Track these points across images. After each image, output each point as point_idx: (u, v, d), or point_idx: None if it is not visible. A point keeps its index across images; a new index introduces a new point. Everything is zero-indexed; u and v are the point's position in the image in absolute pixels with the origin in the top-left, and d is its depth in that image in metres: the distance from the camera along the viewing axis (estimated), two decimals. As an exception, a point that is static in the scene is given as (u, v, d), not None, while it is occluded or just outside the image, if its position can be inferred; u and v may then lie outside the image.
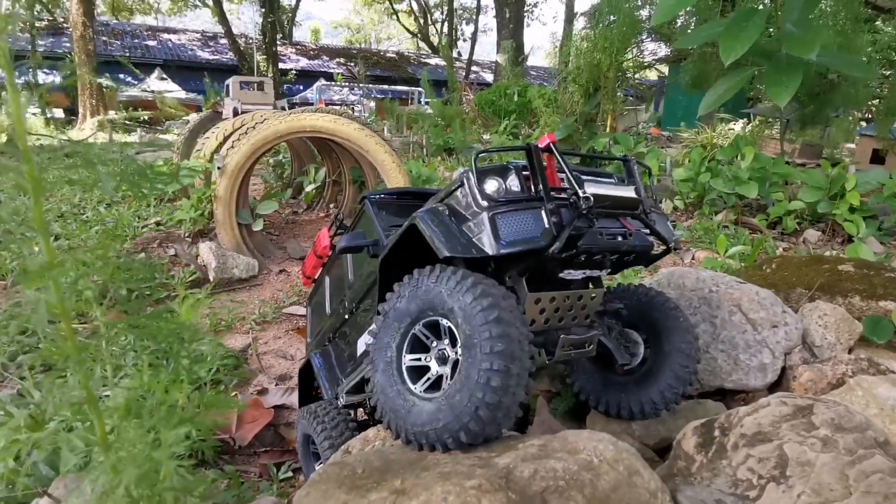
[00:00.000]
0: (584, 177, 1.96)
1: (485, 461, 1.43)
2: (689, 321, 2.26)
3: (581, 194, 1.85)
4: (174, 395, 1.28)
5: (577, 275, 2.11)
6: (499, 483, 1.30)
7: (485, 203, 1.86)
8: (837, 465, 1.57)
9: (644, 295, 2.38)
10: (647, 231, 2.09)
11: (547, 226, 1.83)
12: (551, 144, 1.91)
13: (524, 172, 1.93)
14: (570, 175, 1.89)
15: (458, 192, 1.97)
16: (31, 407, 3.36)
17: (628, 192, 2.06)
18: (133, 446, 1.12)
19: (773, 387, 2.44)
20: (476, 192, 1.88)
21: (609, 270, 2.22)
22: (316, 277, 3.34)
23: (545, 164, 1.92)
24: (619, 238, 1.99)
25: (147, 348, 1.26)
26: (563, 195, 1.90)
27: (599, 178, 2.06)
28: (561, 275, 2.08)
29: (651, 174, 3.14)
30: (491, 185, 1.90)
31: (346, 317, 2.89)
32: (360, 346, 2.69)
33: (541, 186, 1.87)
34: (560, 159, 1.91)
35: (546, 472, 1.33)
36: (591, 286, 2.21)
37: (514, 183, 1.92)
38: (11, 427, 1.07)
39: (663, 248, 2.18)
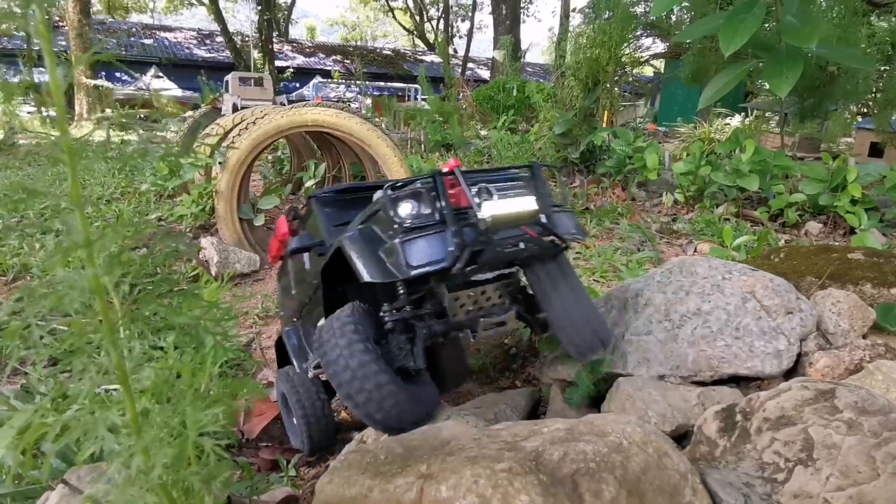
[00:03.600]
0: (493, 190, 2.22)
1: (511, 445, 1.41)
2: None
3: (479, 217, 2.13)
4: (200, 379, 1.27)
5: (488, 275, 2.49)
6: (529, 466, 1.29)
7: (398, 227, 2.11)
8: (863, 447, 1.56)
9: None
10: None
11: (451, 248, 2.08)
12: (455, 169, 2.21)
13: (430, 188, 2.17)
14: (471, 198, 2.17)
15: (379, 214, 2.23)
16: (38, 400, 3.34)
17: (528, 203, 2.27)
18: (164, 429, 1.11)
19: (789, 373, 2.43)
20: (391, 215, 2.12)
21: (517, 267, 2.56)
22: (281, 256, 3.51)
23: (451, 187, 2.19)
24: (520, 245, 2.28)
25: (172, 329, 1.25)
26: (468, 214, 2.17)
27: (507, 191, 2.28)
28: (473, 278, 2.43)
29: (559, 172, 3.50)
30: (405, 209, 2.15)
31: (308, 300, 3.18)
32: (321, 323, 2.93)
33: (445, 211, 2.13)
34: (463, 184, 2.19)
35: (576, 454, 1.31)
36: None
37: (426, 205, 2.17)
38: (38, 410, 1.06)
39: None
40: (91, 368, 0.98)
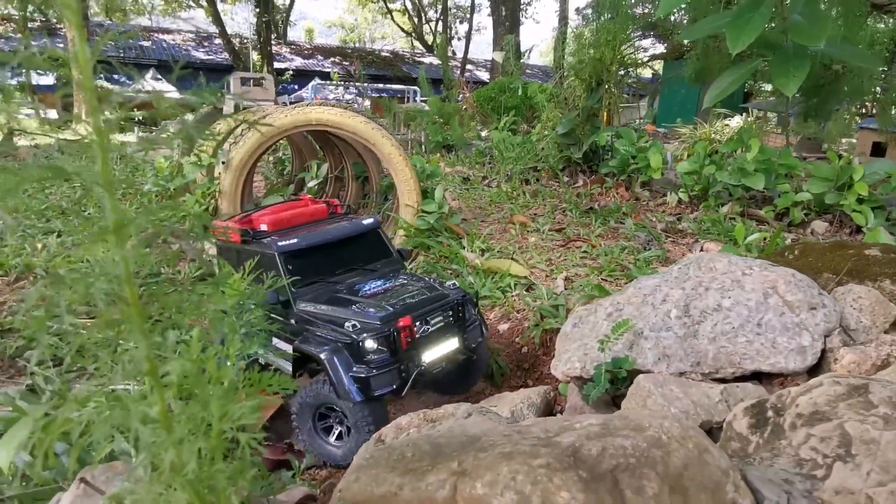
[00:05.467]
0: (430, 328, 3.34)
1: (545, 440, 1.37)
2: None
3: (422, 363, 3.27)
4: (226, 372, 1.23)
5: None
6: (567, 461, 1.24)
7: (366, 362, 3.12)
8: (902, 443, 1.52)
9: None
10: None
11: (399, 380, 3.17)
12: (409, 327, 3.20)
13: (390, 337, 3.14)
14: (418, 349, 3.27)
15: (352, 344, 3.15)
16: (44, 400, 3.27)
17: (454, 344, 3.45)
18: (192, 424, 1.06)
19: (813, 370, 2.39)
20: (360, 347, 3.12)
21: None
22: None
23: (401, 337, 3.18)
24: (444, 365, 3.43)
25: (199, 318, 1.21)
26: (414, 349, 3.24)
27: (446, 335, 3.43)
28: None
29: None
30: (370, 344, 3.11)
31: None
32: (274, 341, 3.68)
33: (397, 355, 3.16)
34: (414, 338, 3.24)
35: (615, 449, 1.27)
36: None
37: (383, 342, 3.13)
38: (64, 407, 1.01)
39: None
40: (121, 360, 0.94)
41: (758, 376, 2.45)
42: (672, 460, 1.26)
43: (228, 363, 1.23)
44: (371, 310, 3.24)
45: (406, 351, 3.19)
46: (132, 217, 0.84)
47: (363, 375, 3.08)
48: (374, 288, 3.55)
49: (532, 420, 1.63)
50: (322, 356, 3.16)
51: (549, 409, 2.97)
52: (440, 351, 3.38)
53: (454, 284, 3.68)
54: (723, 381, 2.45)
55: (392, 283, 3.60)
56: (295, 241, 3.62)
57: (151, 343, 1.01)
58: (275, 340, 3.71)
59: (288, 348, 3.53)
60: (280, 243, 3.56)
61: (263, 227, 3.86)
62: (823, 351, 2.41)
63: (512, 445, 1.37)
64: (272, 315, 3.62)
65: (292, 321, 3.49)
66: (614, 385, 2.57)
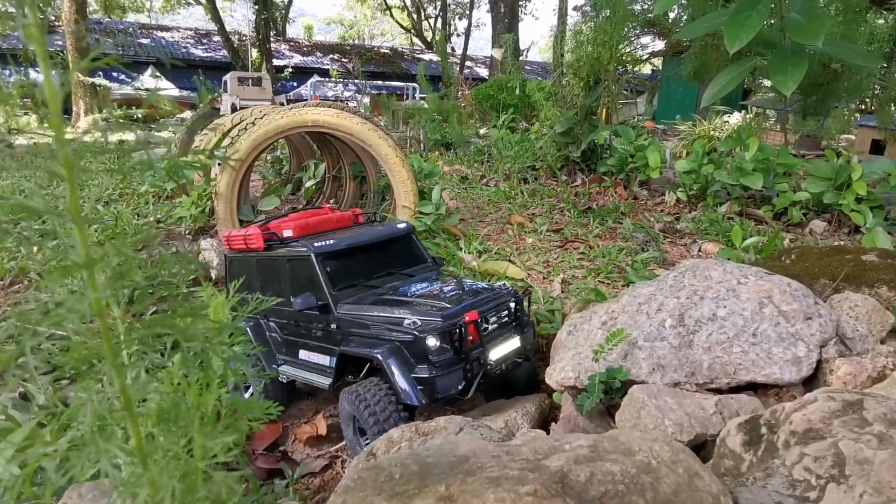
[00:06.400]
0: (491, 324, 3.11)
1: (534, 464, 1.35)
2: None
3: (487, 361, 3.00)
4: (207, 400, 1.20)
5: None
6: (555, 488, 1.22)
7: (428, 361, 2.87)
8: (895, 461, 1.50)
9: None
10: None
11: (464, 381, 2.91)
12: (475, 322, 2.95)
13: (453, 332, 2.88)
14: (484, 346, 3.02)
15: (413, 343, 2.91)
16: (37, 412, 3.25)
17: (515, 343, 3.17)
18: (170, 456, 1.04)
19: (809, 381, 2.37)
20: (422, 346, 2.87)
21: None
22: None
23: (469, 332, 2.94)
24: (504, 367, 3.13)
25: (176, 350, 1.18)
26: (478, 347, 3.00)
27: (505, 334, 3.16)
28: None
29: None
30: (432, 341, 2.86)
31: (284, 319, 3.74)
32: (301, 355, 3.63)
33: (462, 353, 2.90)
34: (480, 334, 3.01)
35: (603, 475, 1.25)
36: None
37: (447, 341, 2.88)
38: (38, 439, 0.99)
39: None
40: (94, 394, 0.92)
41: (753, 387, 2.43)
42: (661, 486, 1.24)
43: (210, 390, 1.21)
44: (430, 307, 3.03)
45: (472, 349, 2.95)
46: (103, 254, 0.81)
47: (426, 376, 2.84)
48: (419, 290, 3.34)
49: (522, 438, 1.62)
50: (379, 357, 2.93)
51: (545, 418, 2.96)
52: (504, 350, 3.11)
53: (504, 285, 3.49)
54: (718, 391, 2.43)
55: (437, 286, 3.38)
56: (332, 241, 3.46)
57: (125, 379, 0.99)
58: (303, 354, 3.60)
59: (323, 360, 3.40)
60: (316, 244, 3.40)
61: (288, 234, 3.69)
62: (819, 361, 2.39)
63: (500, 469, 1.35)
64: (302, 324, 3.55)
65: (333, 326, 3.32)
66: (608, 395, 2.56)
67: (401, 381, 2.85)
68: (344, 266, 3.47)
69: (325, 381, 3.33)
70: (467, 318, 2.91)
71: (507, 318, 3.20)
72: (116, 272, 0.85)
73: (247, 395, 3.70)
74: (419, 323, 2.94)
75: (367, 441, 2.94)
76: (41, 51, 0.75)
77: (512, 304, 3.21)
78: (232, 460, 1.18)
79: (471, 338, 2.95)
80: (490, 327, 3.10)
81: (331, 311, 3.30)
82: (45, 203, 0.77)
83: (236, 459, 1.25)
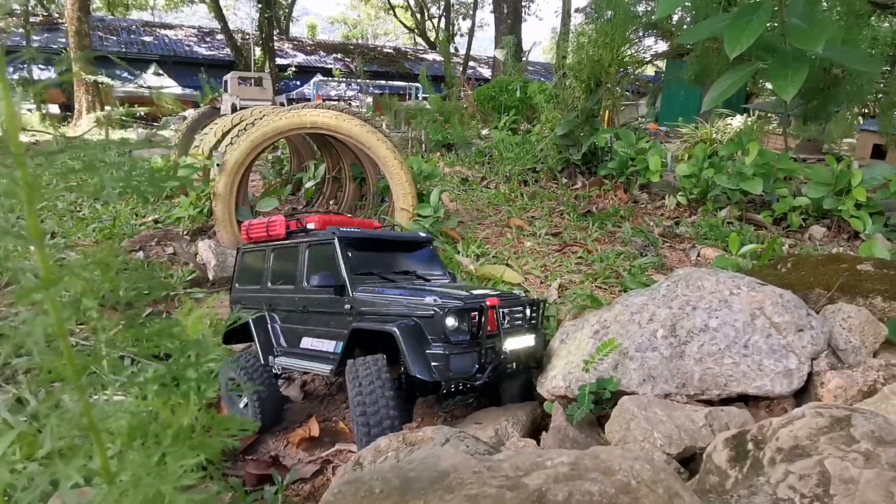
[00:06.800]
0: (508, 320, 3.08)
1: (513, 481, 1.33)
2: None
3: (504, 349, 2.96)
4: (181, 417, 1.19)
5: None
6: (532, 508, 1.21)
7: (444, 339, 2.81)
8: (882, 481, 1.48)
9: None
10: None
11: (478, 365, 2.86)
12: (496, 308, 2.96)
13: (473, 314, 2.88)
14: (502, 333, 2.98)
15: (430, 320, 2.87)
16: (26, 419, 3.25)
17: (530, 341, 3.15)
18: (138, 475, 1.03)
19: (800, 393, 2.35)
20: (440, 325, 2.82)
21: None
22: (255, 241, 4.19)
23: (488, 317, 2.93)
24: (513, 365, 3.05)
25: (149, 365, 1.17)
26: (494, 337, 2.95)
27: (521, 333, 3.13)
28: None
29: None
30: (450, 321, 2.81)
31: (291, 307, 3.77)
32: (304, 343, 3.66)
33: (480, 337, 2.88)
34: (500, 320, 3.00)
35: (581, 495, 1.24)
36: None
37: (465, 323, 2.85)
38: (6, 458, 0.98)
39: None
40: (55, 415, 0.90)
41: (744, 398, 2.41)
42: (640, 507, 1.23)
43: (184, 407, 1.19)
44: (452, 292, 3.08)
45: (488, 337, 2.93)
46: (61, 274, 0.80)
47: (441, 352, 2.79)
48: (440, 284, 3.45)
49: (506, 453, 1.60)
50: (394, 329, 2.87)
51: (536, 427, 2.94)
52: (518, 344, 3.08)
53: (521, 293, 3.55)
54: (709, 402, 2.42)
55: (457, 283, 3.48)
56: (354, 230, 3.63)
57: (88, 400, 0.98)
58: (306, 342, 3.65)
59: (328, 345, 3.44)
60: (339, 231, 3.56)
61: (311, 226, 3.83)
62: (810, 374, 2.37)
63: (479, 486, 1.34)
64: (311, 309, 3.61)
65: (347, 306, 3.34)
66: (599, 405, 2.54)
67: (414, 356, 2.80)
68: (364, 256, 3.60)
69: (326, 368, 3.32)
70: (489, 303, 2.94)
71: (520, 321, 3.19)
72: (77, 297, 0.84)
73: (241, 406, 3.70)
74: (440, 301, 2.93)
75: (353, 415, 2.91)
76: (0, 72, 0.74)
77: (528, 311, 3.23)
78: (203, 477, 1.17)
79: (489, 327, 2.94)
80: (506, 324, 3.09)
81: (346, 292, 3.36)
82: (4, 223, 0.76)
83: (210, 475, 1.23)
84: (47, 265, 0.81)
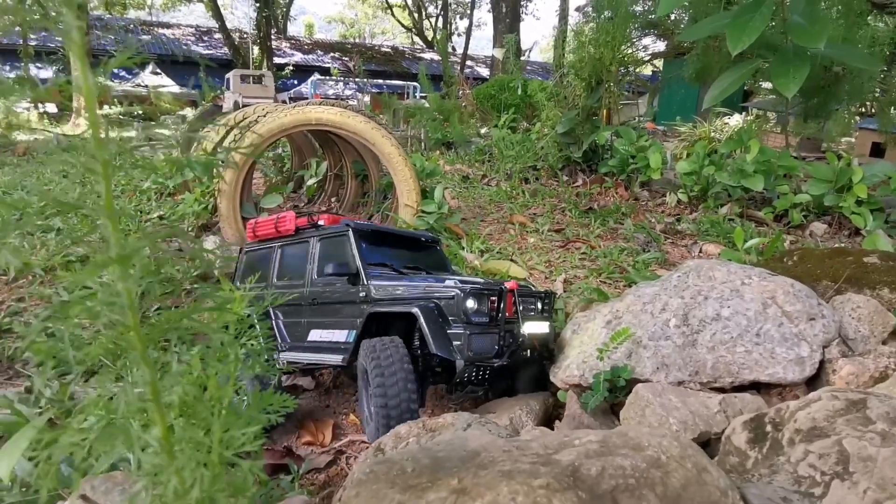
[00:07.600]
0: (523, 308, 3.11)
1: (545, 458, 1.38)
2: None
3: (522, 332, 3.02)
4: (226, 393, 1.23)
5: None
6: (567, 482, 1.25)
7: (466, 322, 2.85)
8: (899, 459, 1.52)
9: None
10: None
11: (497, 347, 2.89)
12: (515, 291, 3.03)
13: (492, 297, 2.95)
14: (520, 318, 3.05)
15: (450, 302, 2.93)
16: (44, 406, 3.26)
17: (545, 328, 3.19)
18: (194, 448, 1.07)
19: (811, 381, 2.40)
20: (460, 307, 2.87)
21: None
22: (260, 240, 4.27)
23: (506, 301, 2.97)
24: (528, 353, 3.08)
25: (195, 343, 1.21)
26: (512, 322, 3.01)
27: (532, 311, 3.20)
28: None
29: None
30: (470, 303, 2.87)
31: (298, 302, 3.81)
32: (312, 335, 3.69)
33: (499, 320, 2.93)
34: (517, 305, 3.06)
35: (614, 469, 1.28)
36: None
37: (484, 305, 2.91)
38: (69, 430, 1.01)
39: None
40: (127, 385, 0.94)
41: (756, 386, 2.46)
42: (671, 481, 1.27)
43: (229, 382, 1.23)
44: (469, 278, 3.18)
45: (507, 322, 2.98)
46: (136, 247, 0.84)
47: (462, 332, 2.83)
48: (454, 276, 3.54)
49: (531, 434, 1.64)
50: (416, 310, 2.91)
51: (548, 416, 2.98)
52: (535, 328, 3.13)
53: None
54: (721, 390, 2.46)
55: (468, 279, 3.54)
56: (367, 223, 3.72)
57: (155, 371, 1.01)
58: (315, 334, 3.69)
59: (340, 335, 3.48)
60: (353, 223, 3.67)
61: (321, 223, 3.92)
62: (822, 362, 2.42)
63: (511, 463, 1.38)
64: (322, 300, 3.67)
65: (361, 294, 3.38)
66: (613, 393, 2.58)
67: (435, 335, 2.83)
68: (376, 249, 3.67)
69: (337, 358, 3.35)
70: (509, 286, 3.01)
71: (533, 311, 3.24)
72: (147, 266, 0.88)
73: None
74: (461, 284, 3.00)
75: (371, 395, 2.89)
76: (80, 52, 0.78)
77: (540, 303, 3.29)
78: (252, 452, 1.21)
79: (507, 312, 2.99)
80: (522, 312, 3.14)
81: (361, 280, 3.41)
82: (80, 199, 0.80)
83: (256, 450, 1.27)
84: (121, 240, 0.85)
